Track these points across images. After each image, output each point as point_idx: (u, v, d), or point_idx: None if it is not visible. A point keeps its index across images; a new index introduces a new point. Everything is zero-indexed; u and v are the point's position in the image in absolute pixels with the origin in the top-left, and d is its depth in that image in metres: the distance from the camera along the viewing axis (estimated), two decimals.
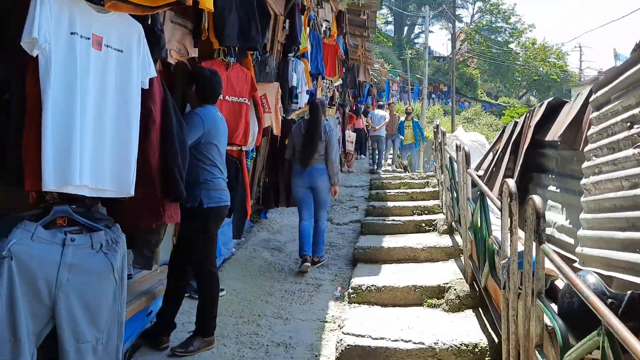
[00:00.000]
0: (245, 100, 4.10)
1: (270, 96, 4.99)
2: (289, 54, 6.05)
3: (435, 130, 8.86)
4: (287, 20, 5.94)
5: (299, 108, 6.32)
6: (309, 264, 5.04)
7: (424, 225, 6.16)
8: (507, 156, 4.43)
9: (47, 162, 1.94)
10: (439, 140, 7.28)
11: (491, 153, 6.20)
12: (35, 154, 1.94)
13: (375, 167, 11.90)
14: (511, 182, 2.57)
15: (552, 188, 3.86)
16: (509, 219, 2.59)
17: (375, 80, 21.90)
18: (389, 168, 13.00)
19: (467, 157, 4.13)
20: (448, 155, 5.90)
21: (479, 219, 3.61)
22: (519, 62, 43.44)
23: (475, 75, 44.84)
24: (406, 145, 12.53)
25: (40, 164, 1.93)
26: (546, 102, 4.01)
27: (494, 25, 46.46)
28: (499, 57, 42.46)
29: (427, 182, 8.76)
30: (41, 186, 1.93)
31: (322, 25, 8.41)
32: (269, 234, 6.28)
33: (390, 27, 48.46)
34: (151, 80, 2.44)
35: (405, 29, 49.09)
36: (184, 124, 2.76)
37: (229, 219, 4.20)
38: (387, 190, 8.41)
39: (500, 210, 2.76)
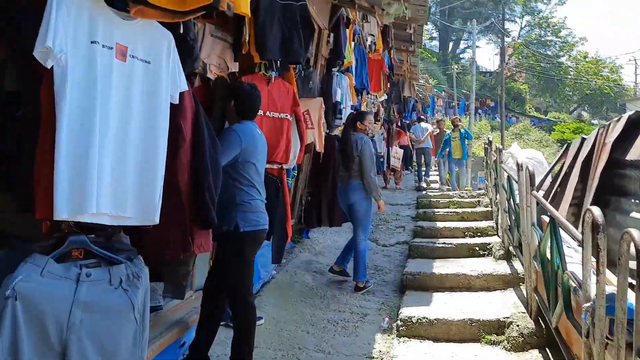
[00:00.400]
0: (287, 116, 3.89)
1: (314, 112, 4.77)
2: (333, 69, 5.82)
3: (486, 146, 8.35)
4: (332, 34, 5.73)
5: (343, 124, 6.04)
6: (331, 273, 5.21)
7: (477, 249, 5.75)
8: (576, 177, 3.96)
9: (61, 187, 1.69)
10: (494, 158, 6.79)
11: (550, 173, 5.70)
12: (49, 177, 1.71)
13: (422, 183, 11.46)
14: (597, 211, 2.16)
15: (635, 215, 3.38)
16: (595, 255, 2.17)
17: (421, 95, 21.46)
18: (436, 186, 12.44)
19: (532, 177, 3.69)
20: (506, 175, 5.43)
21: (548, 249, 3.17)
22: (570, 76, 41.82)
23: (524, 89, 43.52)
24: (454, 160, 11.28)
25: (53, 188, 1.69)
26: (625, 116, 3.54)
27: (543, 39, 45.07)
28: (548, 71, 41.03)
29: (479, 201, 8.28)
30: (53, 215, 1.69)
31: (367, 40, 8.18)
32: (311, 255, 5.99)
33: (435, 42, 47.94)
34: (182, 94, 2.19)
35: (450, 44, 48.39)
36: (217, 142, 2.50)
37: (268, 241, 3.94)
38: (436, 210, 7.99)
39: (581, 243, 2.35)
